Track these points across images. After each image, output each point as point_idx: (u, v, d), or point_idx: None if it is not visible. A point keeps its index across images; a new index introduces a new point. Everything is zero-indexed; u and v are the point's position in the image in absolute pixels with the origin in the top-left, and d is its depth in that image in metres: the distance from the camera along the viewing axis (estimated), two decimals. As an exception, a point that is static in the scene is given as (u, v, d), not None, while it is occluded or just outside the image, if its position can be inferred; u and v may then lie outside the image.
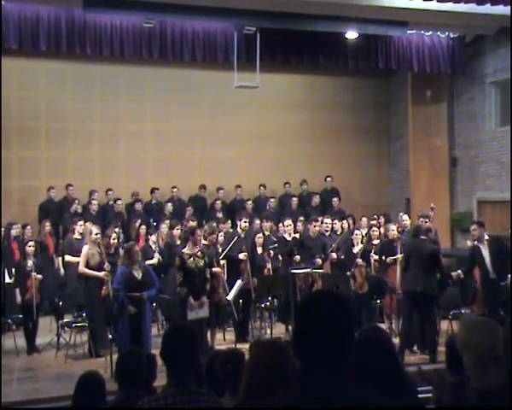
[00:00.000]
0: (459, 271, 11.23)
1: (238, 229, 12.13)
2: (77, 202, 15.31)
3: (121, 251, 11.49)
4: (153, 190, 16.44)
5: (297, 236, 12.72)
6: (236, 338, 11.30)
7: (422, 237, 10.75)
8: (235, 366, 4.52)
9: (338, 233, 13.56)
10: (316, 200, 16.92)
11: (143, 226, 13.73)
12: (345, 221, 14.70)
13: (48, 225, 14.11)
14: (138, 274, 9.92)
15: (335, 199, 16.94)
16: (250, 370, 3.68)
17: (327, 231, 12.96)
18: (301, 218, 14.76)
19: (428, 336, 10.56)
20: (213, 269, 10.66)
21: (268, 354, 3.62)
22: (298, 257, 11.94)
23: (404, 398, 3.14)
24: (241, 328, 11.69)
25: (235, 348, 7.78)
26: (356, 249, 12.60)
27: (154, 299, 10.80)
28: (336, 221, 13.78)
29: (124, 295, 9.74)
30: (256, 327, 12.33)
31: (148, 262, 11.89)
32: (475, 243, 11.28)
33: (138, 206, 15.69)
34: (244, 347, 6.24)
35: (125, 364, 4.87)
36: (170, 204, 15.96)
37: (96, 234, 10.87)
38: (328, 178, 17.65)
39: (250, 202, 16.47)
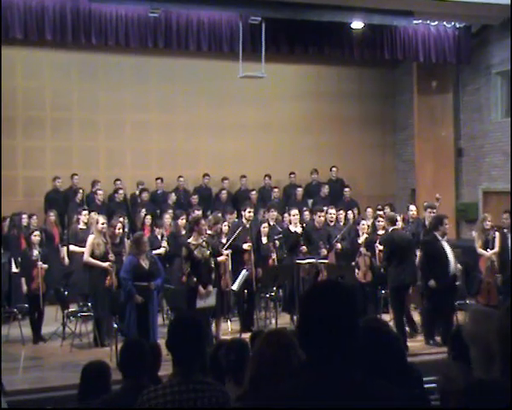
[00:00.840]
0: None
1: (243, 219, 12.10)
2: (81, 191, 15.33)
3: (126, 241, 11.54)
4: (157, 179, 16.44)
5: (299, 229, 12.59)
6: (241, 328, 11.33)
7: (393, 228, 10.79)
8: (239, 356, 4.54)
9: (341, 224, 13.53)
10: (325, 190, 16.90)
11: (149, 216, 13.75)
12: (350, 211, 14.68)
13: (53, 215, 14.14)
14: (146, 264, 9.95)
15: (347, 189, 16.90)
16: (255, 360, 3.69)
17: (331, 221, 12.93)
18: (305, 208, 14.75)
19: (424, 324, 10.71)
20: (218, 258, 10.69)
21: (273, 344, 3.63)
22: (304, 248, 11.94)
23: (408, 389, 3.14)
24: (247, 318, 11.72)
25: (239, 338, 7.82)
26: (361, 240, 12.58)
27: (161, 289, 10.82)
28: (341, 211, 13.75)
29: (131, 285, 9.76)
30: (261, 317, 12.34)
31: (155, 252, 11.93)
32: (505, 230, 11.35)
33: (145, 195, 15.68)
34: (248, 336, 6.25)
35: (128, 353, 4.88)
36: (173, 194, 16.00)
37: (103, 224, 10.89)
38: (334, 169, 17.62)
39: (254, 192, 16.47)
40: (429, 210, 11.73)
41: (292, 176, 17.45)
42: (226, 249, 11.46)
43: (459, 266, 11.00)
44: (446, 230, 10.90)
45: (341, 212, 13.68)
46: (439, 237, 10.70)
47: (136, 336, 8.89)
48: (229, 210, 13.85)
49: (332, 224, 12.94)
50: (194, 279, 10.02)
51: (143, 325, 9.64)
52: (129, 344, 5.17)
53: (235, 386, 4.36)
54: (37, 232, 11.57)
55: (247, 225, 11.95)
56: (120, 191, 15.62)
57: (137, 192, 15.93)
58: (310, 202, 16.78)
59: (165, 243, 12.64)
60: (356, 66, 18.19)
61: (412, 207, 13.21)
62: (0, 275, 11.60)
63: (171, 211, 13.93)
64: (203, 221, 10.65)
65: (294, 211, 12.57)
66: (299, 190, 16.81)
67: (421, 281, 10.98)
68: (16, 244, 12.92)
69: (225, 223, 12.24)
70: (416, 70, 17.62)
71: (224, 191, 16.45)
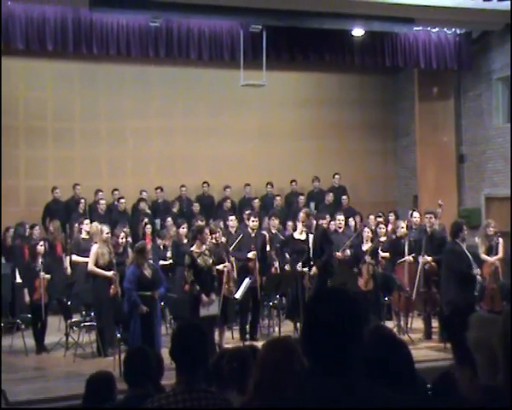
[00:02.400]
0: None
1: (248, 229, 12.07)
2: (83, 201, 15.33)
3: (130, 251, 11.54)
4: (157, 189, 16.44)
5: (304, 236, 12.44)
6: (241, 337, 11.34)
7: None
8: (242, 365, 4.53)
9: (341, 230, 13.48)
10: (329, 198, 16.91)
11: (149, 225, 13.75)
12: (351, 219, 14.67)
13: (56, 225, 14.12)
14: (148, 273, 9.92)
15: (344, 197, 16.90)
16: (259, 365, 3.70)
17: (340, 227, 12.79)
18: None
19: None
20: (218, 267, 10.63)
21: (278, 351, 3.64)
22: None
23: (413, 396, 3.12)
24: (251, 327, 11.70)
25: (242, 346, 7.80)
26: (365, 247, 12.56)
27: (163, 297, 10.80)
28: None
29: (136, 295, 9.74)
30: (264, 325, 12.31)
31: (162, 263, 11.96)
32: None
33: (143, 205, 15.67)
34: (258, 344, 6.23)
35: (133, 361, 4.86)
36: (177, 203, 16.01)
37: (107, 233, 10.91)
38: (337, 176, 17.60)
39: (257, 201, 16.45)
40: (429, 216, 11.70)
41: (293, 184, 17.44)
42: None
43: (478, 270, 10.97)
44: (465, 235, 10.88)
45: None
46: (461, 244, 10.67)
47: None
48: (228, 214, 13.75)
49: (341, 230, 12.79)
50: (197, 288, 10.01)
51: (148, 334, 9.60)
52: (133, 352, 5.15)
53: (238, 395, 4.36)
54: (41, 242, 11.59)
55: (253, 234, 11.94)
56: (122, 200, 15.62)
57: (142, 205, 15.81)
58: (312, 205, 16.79)
59: (169, 254, 12.64)
60: (357, 73, 18.21)
61: (416, 214, 13.18)
62: (0, 285, 11.60)
63: (169, 219, 13.94)
64: (206, 230, 10.65)
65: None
66: (302, 198, 16.80)
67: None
68: (20, 254, 12.92)
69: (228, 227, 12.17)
70: (417, 76, 17.63)
71: (228, 200, 16.38)
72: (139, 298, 9.71)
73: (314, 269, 11.34)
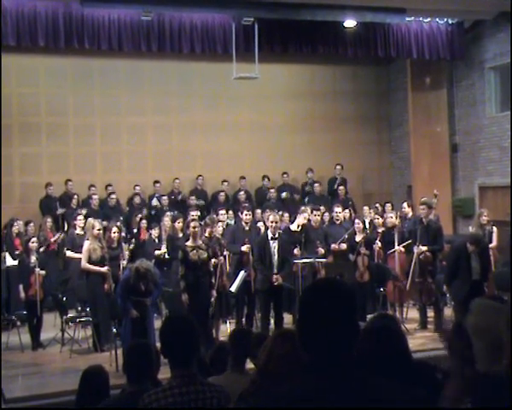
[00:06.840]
0: None
1: (242, 222, 12.06)
2: (76, 196, 15.29)
3: (124, 245, 11.49)
4: (155, 183, 16.40)
5: (299, 228, 12.43)
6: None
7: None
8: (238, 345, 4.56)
9: (338, 222, 13.47)
10: (320, 188, 16.93)
11: (144, 220, 13.73)
12: (347, 210, 14.65)
13: (49, 221, 14.11)
14: (143, 283, 9.62)
15: (341, 187, 16.87)
16: (267, 355, 3.71)
17: (337, 220, 12.76)
18: (302, 207, 14.63)
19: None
20: (213, 260, 10.58)
21: (287, 343, 3.66)
22: (295, 250, 11.67)
23: (413, 387, 3.12)
24: (247, 320, 11.69)
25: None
26: (358, 238, 12.54)
27: (157, 298, 10.61)
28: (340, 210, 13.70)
29: (127, 298, 9.47)
30: (260, 318, 12.28)
31: (157, 253, 11.89)
32: None
33: (137, 199, 15.67)
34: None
35: (136, 357, 4.80)
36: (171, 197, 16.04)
37: (99, 229, 10.85)
38: (338, 167, 17.53)
39: (248, 194, 16.44)
40: (422, 207, 11.70)
41: (285, 176, 17.40)
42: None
43: None
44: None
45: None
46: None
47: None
48: (219, 208, 13.72)
49: (338, 222, 12.75)
50: (183, 284, 9.90)
51: (140, 333, 9.40)
52: (135, 348, 5.09)
53: (239, 376, 4.39)
54: (34, 239, 11.56)
55: (246, 228, 11.93)
56: (113, 196, 15.57)
57: (136, 199, 15.80)
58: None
59: (164, 247, 12.62)
60: (350, 64, 18.20)
61: (404, 205, 13.25)
62: (0, 281, 11.58)
63: (168, 213, 13.92)
64: (193, 224, 10.46)
65: (306, 214, 12.33)
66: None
67: (445, 282, 10.95)
68: (11, 250, 12.88)
69: (219, 224, 12.14)
70: (409, 67, 17.64)
71: (222, 193, 16.37)
72: (131, 303, 9.46)
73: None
